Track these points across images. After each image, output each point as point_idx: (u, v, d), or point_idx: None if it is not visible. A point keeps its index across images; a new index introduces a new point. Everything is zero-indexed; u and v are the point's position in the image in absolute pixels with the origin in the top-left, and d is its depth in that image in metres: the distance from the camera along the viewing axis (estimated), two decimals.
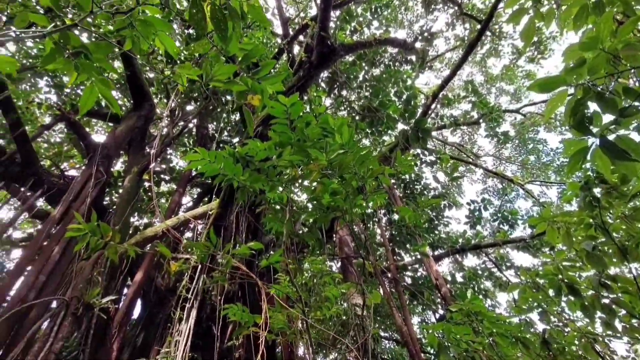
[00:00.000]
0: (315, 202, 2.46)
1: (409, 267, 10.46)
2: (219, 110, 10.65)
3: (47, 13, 6.39)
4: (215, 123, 10.99)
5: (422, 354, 6.83)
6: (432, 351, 8.99)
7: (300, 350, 5.44)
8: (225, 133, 11.26)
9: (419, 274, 10.67)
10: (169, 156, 10.80)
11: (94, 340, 3.72)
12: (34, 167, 7.05)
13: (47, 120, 9.05)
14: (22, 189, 7.22)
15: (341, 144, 2.29)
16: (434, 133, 12.52)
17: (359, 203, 2.65)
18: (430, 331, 3.47)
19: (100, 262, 4.23)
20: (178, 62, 8.69)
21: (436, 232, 10.39)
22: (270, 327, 3.41)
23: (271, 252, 7.60)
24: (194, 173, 9.54)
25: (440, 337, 3.44)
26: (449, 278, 10.89)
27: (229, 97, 10.42)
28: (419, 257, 9.44)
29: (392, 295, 6.44)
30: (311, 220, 2.84)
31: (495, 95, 16.69)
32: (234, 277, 6.25)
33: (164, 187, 11.13)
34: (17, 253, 10.66)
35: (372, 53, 9.65)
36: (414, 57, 10.22)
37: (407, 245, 9.85)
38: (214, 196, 8.98)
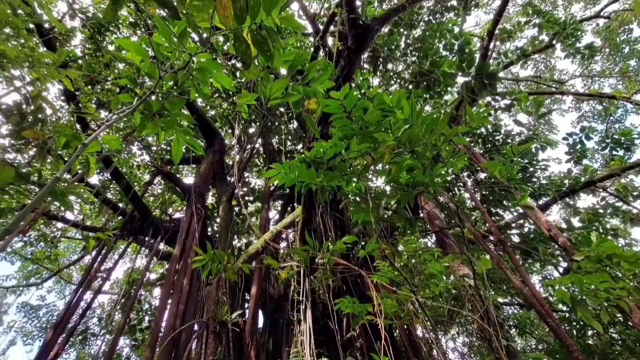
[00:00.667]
0: (393, 183, 2.45)
1: (513, 225, 9.56)
2: (276, 124, 11.21)
3: (125, 90, 7.54)
4: (277, 137, 11.59)
5: (554, 313, 6.20)
6: (564, 308, 8.08)
7: (419, 331, 5.42)
8: (289, 143, 11.79)
9: (526, 229, 9.68)
10: (247, 179, 11.74)
11: (234, 352, 4.28)
12: (150, 218, 8.37)
13: (147, 177, 10.63)
14: (146, 239, 8.63)
15: (404, 119, 2.23)
16: (501, 74, 11.21)
17: (439, 172, 2.55)
18: (557, 287, 3.15)
19: (221, 284, 4.84)
20: (231, 93, 9.41)
21: (534, 179, 9.29)
22: (384, 313, 3.48)
23: (363, 243, 7.73)
24: (272, 188, 10.22)
25: (572, 291, 3.10)
26: (564, 226, 9.63)
27: (282, 109, 10.90)
28: (521, 211, 8.58)
29: (501, 258, 5.99)
30: (393, 202, 2.83)
31: (564, 6, 14.22)
32: (336, 272, 6.53)
33: (251, 207, 12.15)
34: (156, 291, 12.73)
35: (407, 16, 9.10)
36: (454, 2, 9.33)
37: (505, 202, 9.02)
38: (295, 204, 9.49)
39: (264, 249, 5.90)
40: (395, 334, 6.55)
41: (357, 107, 2.32)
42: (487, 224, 6.58)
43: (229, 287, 5.15)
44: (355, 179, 2.55)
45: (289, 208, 10.42)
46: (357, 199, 2.86)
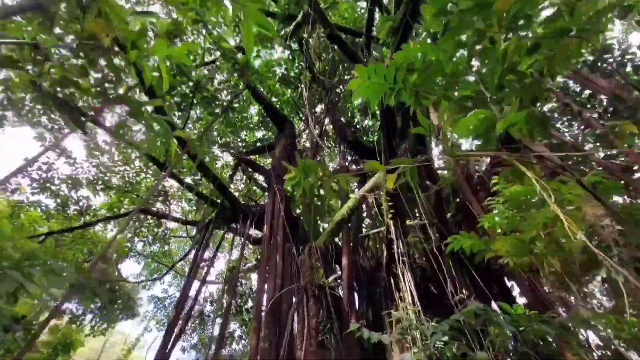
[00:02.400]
0: (512, 74, 1.90)
1: None
2: (342, 100, 10.92)
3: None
4: (343, 114, 11.31)
5: None
6: None
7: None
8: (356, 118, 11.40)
9: None
10: (319, 157, 11.72)
11: (336, 315, 4.15)
12: (238, 206, 8.87)
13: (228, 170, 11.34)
14: (238, 225, 9.18)
15: None
16: None
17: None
18: None
19: (314, 252, 4.75)
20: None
21: None
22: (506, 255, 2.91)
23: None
24: (347, 163, 9.97)
25: None
26: None
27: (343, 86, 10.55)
28: None
29: None
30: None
31: None
32: (429, 237, 5.99)
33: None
34: (255, 277, 13.64)
35: None
36: None
37: None
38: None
39: (349, 216, 5.67)
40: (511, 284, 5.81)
41: None
42: None
43: (321, 255, 5.04)
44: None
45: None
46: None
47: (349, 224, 6.22)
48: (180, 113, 9.78)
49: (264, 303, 5.78)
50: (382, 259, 6.70)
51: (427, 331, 3.39)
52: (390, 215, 5.26)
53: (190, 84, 9.07)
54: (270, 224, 7.28)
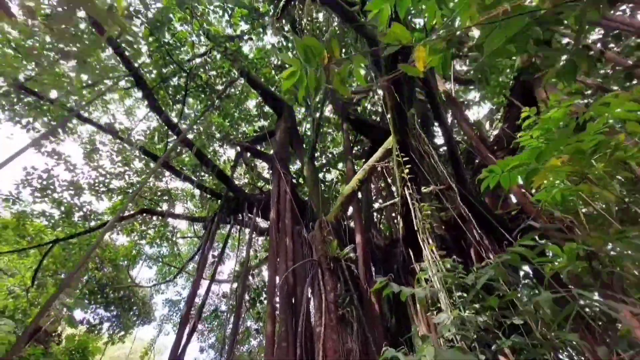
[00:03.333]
0: None
1: None
2: None
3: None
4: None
5: None
6: None
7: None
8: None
9: None
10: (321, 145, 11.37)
11: (354, 287, 3.82)
12: (243, 195, 8.56)
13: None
14: (244, 216, 8.88)
15: None
16: None
17: None
18: None
19: (324, 226, 4.41)
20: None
21: None
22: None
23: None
24: (351, 144, 9.58)
25: None
26: None
27: None
28: None
29: None
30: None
31: None
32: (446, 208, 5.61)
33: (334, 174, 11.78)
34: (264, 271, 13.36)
35: None
36: None
37: None
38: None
39: (359, 188, 5.31)
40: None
41: None
42: None
43: (334, 231, 4.71)
44: None
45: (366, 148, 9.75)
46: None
47: (360, 199, 5.86)
48: (175, 106, 9.49)
49: (277, 287, 5.47)
50: (396, 234, 6.33)
51: (468, 280, 3.05)
52: (404, 183, 4.90)
53: (184, 74, 8.76)
54: (277, 207, 6.96)
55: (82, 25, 8.66)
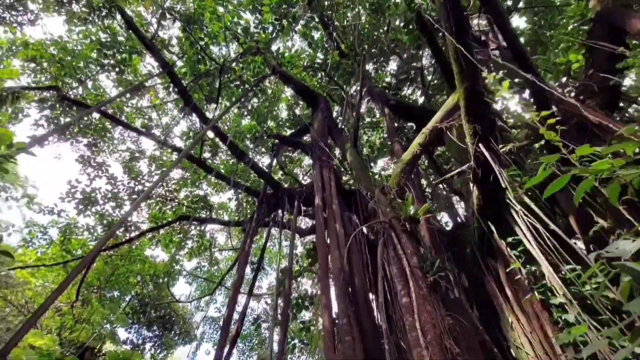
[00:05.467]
0: None
1: None
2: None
3: None
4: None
5: None
6: None
7: None
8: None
9: None
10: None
11: (435, 249, 3.00)
12: (280, 190, 8.01)
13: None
14: (280, 210, 8.27)
15: None
16: None
17: None
18: None
19: (388, 191, 3.67)
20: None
21: None
22: None
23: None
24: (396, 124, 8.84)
25: None
26: None
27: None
28: None
29: None
30: None
31: None
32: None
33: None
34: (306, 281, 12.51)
35: None
36: None
37: None
38: None
39: (420, 153, 4.52)
40: None
41: None
42: None
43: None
44: None
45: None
46: None
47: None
48: (209, 105, 9.32)
49: (329, 275, 4.72)
50: (469, 207, 5.41)
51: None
52: (478, 139, 4.07)
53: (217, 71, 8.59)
54: (322, 195, 6.29)
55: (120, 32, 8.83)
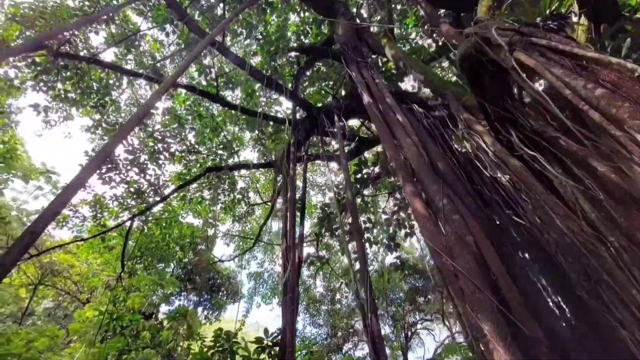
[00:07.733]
0: None
1: None
2: None
3: None
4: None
5: None
6: None
7: None
8: None
9: None
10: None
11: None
12: (314, 109, 7.13)
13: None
14: (321, 137, 7.45)
15: None
16: None
17: None
18: None
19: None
20: None
21: None
22: None
23: None
24: None
25: None
26: None
27: None
28: None
29: None
30: None
31: None
32: None
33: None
34: None
35: None
36: None
37: None
38: None
39: None
40: None
41: None
42: None
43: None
44: None
45: None
46: None
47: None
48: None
49: (406, 163, 3.95)
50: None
51: None
52: None
53: None
54: (369, 92, 5.39)
55: None
